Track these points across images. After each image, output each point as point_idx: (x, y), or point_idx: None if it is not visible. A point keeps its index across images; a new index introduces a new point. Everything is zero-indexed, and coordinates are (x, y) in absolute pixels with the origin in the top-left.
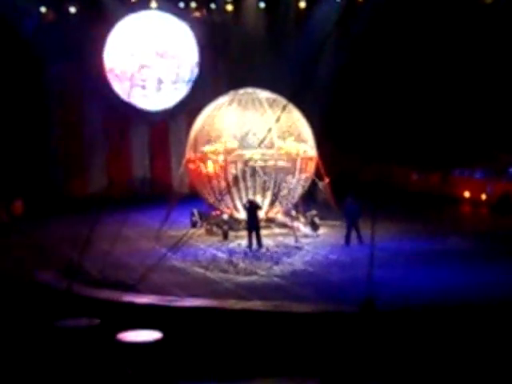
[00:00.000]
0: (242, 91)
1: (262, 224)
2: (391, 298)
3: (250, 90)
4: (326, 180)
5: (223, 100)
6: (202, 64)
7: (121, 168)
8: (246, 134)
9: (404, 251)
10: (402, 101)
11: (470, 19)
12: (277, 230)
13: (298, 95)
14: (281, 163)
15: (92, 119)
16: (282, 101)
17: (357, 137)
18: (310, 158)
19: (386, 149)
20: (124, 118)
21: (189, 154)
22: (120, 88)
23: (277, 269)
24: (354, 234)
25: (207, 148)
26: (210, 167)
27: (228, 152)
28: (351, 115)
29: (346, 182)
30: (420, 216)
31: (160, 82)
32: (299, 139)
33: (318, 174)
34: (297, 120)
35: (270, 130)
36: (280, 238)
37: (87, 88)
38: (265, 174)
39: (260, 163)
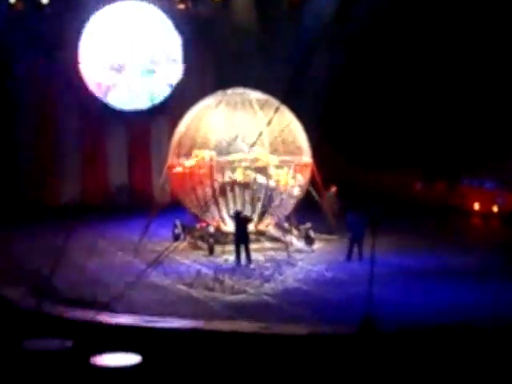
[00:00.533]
0: (230, 91)
1: (252, 237)
2: (392, 318)
3: (239, 90)
4: (333, 188)
5: (210, 101)
6: (187, 61)
7: (96, 174)
8: (235, 138)
9: (407, 267)
10: (406, 102)
11: (484, 15)
12: (268, 245)
13: (292, 95)
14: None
15: (64, 121)
16: (275, 102)
17: (356, 141)
18: (305, 165)
19: (388, 154)
20: (99, 119)
21: (171, 159)
22: (95, 85)
23: (267, 286)
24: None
25: (187, 162)
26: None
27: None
28: (350, 118)
29: (344, 191)
30: (424, 229)
31: (135, 73)
32: (292, 144)
33: (322, 183)
34: (290, 123)
35: (260, 133)
36: (271, 253)
37: (59, 86)
38: (254, 183)
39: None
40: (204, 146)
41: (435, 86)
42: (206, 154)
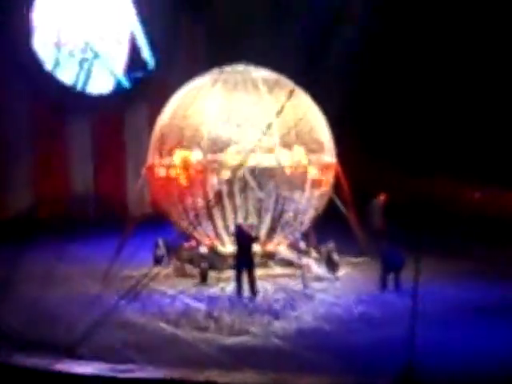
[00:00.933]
0: (229, 69)
1: (257, 261)
2: (439, 369)
3: (240, 66)
4: (382, 197)
5: (202, 81)
6: (172, 30)
7: (53, 181)
8: (234, 130)
9: (460, 302)
10: (458, 88)
11: None
12: (278, 270)
13: (309, 75)
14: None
15: (12, 113)
16: (288, 83)
17: (391, 137)
18: (327, 166)
19: (434, 155)
20: (58, 109)
21: (152, 158)
22: (48, 66)
23: (278, 326)
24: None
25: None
26: (182, 178)
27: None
28: (383, 105)
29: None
30: (484, 251)
31: (91, 50)
32: (310, 139)
33: (350, 189)
34: (307, 110)
35: (269, 125)
36: (282, 282)
37: (4, 70)
38: (261, 188)
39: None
40: (194, 139)
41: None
42: (193, 156)
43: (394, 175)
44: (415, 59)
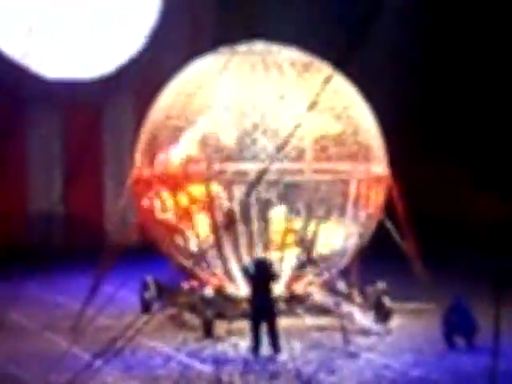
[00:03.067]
0: (243, 47)
1: (281, 307)
2: None
3: (259, 45)
4: None
5: (207, 64)
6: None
7: (7, 195)
8: (252, 130)
9: None
10: None
11: None
12: (309, 320)
13: (352, 57)
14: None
15: None
16: (324, 67)
17: (468, 141)
18: (377, 179)
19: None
20: (15, 103)
21: (139, 167)
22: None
23: None
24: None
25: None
26: (183, 199)
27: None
28: (453, 100)
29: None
30: None
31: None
32: (353, 144)
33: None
34: (350, 102)
35: (298, 124)
36: (315, 336)
37: None
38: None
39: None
40: (197, 144)
41: None
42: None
43: (474, 194)
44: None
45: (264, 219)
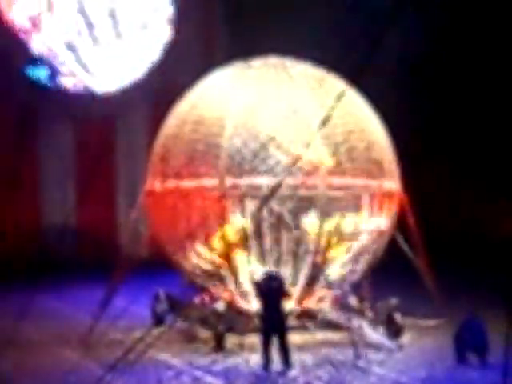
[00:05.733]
0: (257, 62)
1: (292, 323)
2: None
3: (272, 59)
4: None
5: (221, 78)
6: (183, 13)
7: (20, 209)
8: (265, 144)
9: None
10: None
11: None
12: (320, 336)
13: (365, 72)
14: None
15: None
16: (338, 82)
17: (481, 155)
18: (389, 195)
19: None
20: (28, 112)
21: (151, 181)
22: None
23: None
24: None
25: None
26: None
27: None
28: (465, 114)
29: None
30: None
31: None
32: (366, 159)
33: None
34: (363, 118)
35: (311, 138)
36: (326, 351)
37: None
38: (298, 224)
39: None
40: (209, 157)
41: None
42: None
43: (486, 208)
44: None
45: (276, 234)
